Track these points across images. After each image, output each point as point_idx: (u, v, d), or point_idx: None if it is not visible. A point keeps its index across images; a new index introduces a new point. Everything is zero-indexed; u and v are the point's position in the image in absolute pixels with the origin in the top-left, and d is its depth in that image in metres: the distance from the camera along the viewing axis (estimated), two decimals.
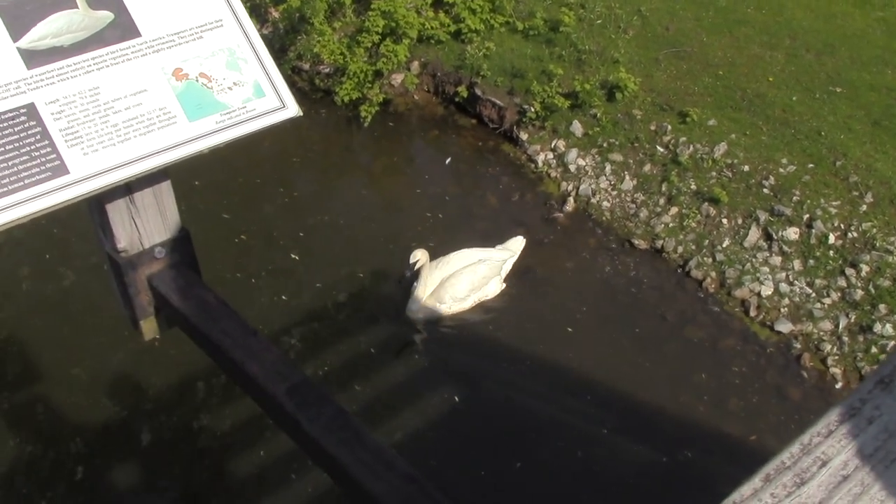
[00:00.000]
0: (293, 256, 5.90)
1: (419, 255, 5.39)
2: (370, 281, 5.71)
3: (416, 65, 7.53)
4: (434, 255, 5.57)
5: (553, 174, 6.64)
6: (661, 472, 4.64)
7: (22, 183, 1.96)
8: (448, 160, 6.85)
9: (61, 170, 2.02)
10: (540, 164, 6.72)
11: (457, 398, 4.98)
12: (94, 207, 2.24)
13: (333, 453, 1.91)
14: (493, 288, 5.63)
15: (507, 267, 5.73)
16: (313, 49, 7.38)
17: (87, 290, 5.56)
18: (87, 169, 2.04)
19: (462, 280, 5.50)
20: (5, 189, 1.93)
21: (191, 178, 6.05)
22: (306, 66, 7.67)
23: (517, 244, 5.85)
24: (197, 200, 5.86)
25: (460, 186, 6.64)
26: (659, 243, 5.96)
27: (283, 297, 5.56)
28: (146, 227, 2.29)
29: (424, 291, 5.43)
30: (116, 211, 2.22)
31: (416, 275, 5.43)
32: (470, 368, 5.16)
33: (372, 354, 5.22)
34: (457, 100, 7.29)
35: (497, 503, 4.46)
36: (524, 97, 6.95)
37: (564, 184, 6.53)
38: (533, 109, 6.81)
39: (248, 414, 4.81)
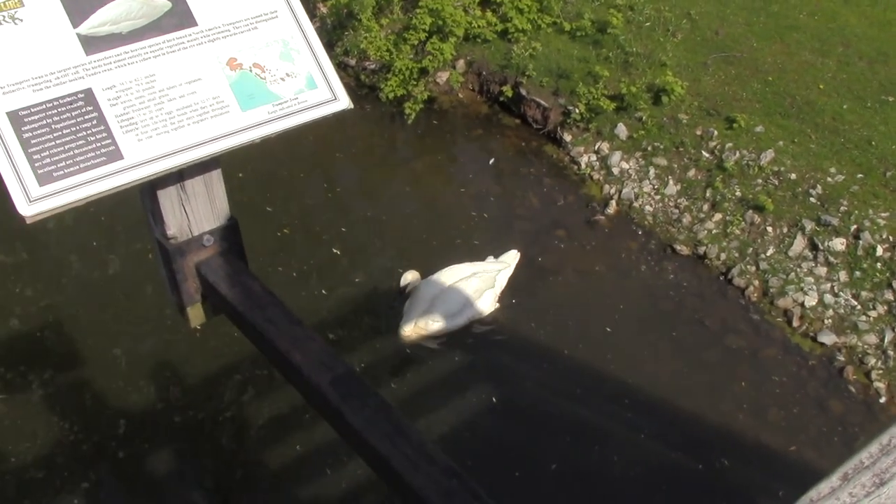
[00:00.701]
0: (335, 251, 5.93)
1: (409, 278, 5.29)
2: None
3: (461, 63, 7.53)
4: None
5: (596, 176, 6.60)
6: (697, 479, 4.60)
7: (78, 167, 1.99)
8: (492, 160, 6.84)
9: (116, 155, 2.04)
10: (583, 165, 6.69)
11: (494, 399, 4.96)
12: (146, 193, 2.27)
13: (376, 445, 1.91)
14: (488, 302, 5.42)
15: (502, 280, 5.52)
16: (360, 45, 7.41)
17: (132, 277, 5.64)
18: (140, 155, 2.07)
19: (455, 295, 5.29)
20: (62, 172, 1.96)
21: (235, 170, 6.10)
22: (352, 62, 7.71)
23: (511, 257, 5.66)
24: (241, 193, 5.91)
25: (502, 186, 6.63)
26: (701, 250, 5.90)
27: (323, 291, 5.58)
28: (196, 214, 2.31)
29: (417, 310, 5.24)
30: (167, 198, 2.24)
31: (407, 296, 5.32)
32: (508, 368, 5.14)
33: (409, 352, 5.23)
34: (501, 99, 7.28)
35: None
36: (569, 98, 6.92)
37: (607, 186, 6.49)
38: (577, 111, 6.77)
39: (285, 406, 4.86)
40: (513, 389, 5.02)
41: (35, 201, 1.93)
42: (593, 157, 6.70)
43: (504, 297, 5.57)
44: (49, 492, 4.45)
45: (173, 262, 2.32)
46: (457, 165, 6.99)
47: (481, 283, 5.37)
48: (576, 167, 6.72)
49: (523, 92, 7.14)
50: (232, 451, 4.71)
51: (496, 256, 5.71)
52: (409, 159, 7.09)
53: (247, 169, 6.09)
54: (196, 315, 2.45)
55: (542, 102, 7.04)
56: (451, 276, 5.38)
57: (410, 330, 5.22)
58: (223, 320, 4.96)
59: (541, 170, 6.76)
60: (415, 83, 7.19)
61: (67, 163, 1.99)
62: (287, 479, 4.56)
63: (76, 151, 2.01)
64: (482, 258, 5.70)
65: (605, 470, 4.62)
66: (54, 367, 5.09)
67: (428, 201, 6.52)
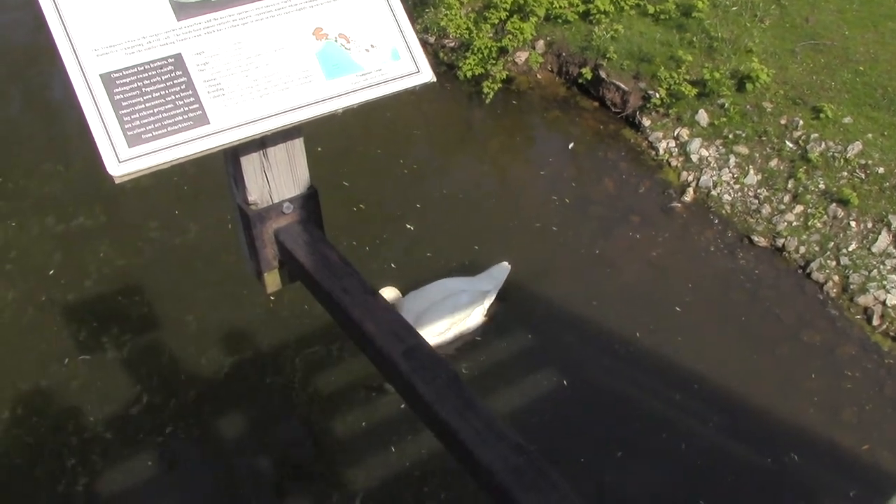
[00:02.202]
0: (408, 226, 5.95)
1: (388, 296, 4.94)
2: (485, 255, 5.70)
3: (541, 44, 7.47)
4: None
5: (674, 163, 6.49)
6: (764, 472, 4.52)
7: (165, 130, 2.02)
8: (571, 145, 6.77)
9: (202, 119, 2.07)
10: (661, 151, 6.58)
11: (565, 382, 4.94)
12: (229, 159, 2.29)
13: (445, 418, 1.91)
14: (475, 320, 5.21)
15: (491, 296, 5.31)
16: (440, 23, 7.39)
17: (208, 245, 5.75)
18: (226, 121, 2.09)
19: (442, 311, 5.07)
20: (150, 135, 2.00)
21: (314, 144, 6.11)
22: (431, 40, 7.70)
23: (501, 272, 5.42)
24: (319, 167, 5.91)
25: (578, 169, 6.57)
26: (780, 242, 5.76)
27: (393, 265, 5.62)
28: (277, 181, 2.33)
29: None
30: (250, 164, 2.26)
31: None
32: (578, 351, 5.11)
33: (477, 330, 5.23)
34: (580, 81, 7.20)
35: (596, 492, 4.42)
36: (650, 82, 6.81)
37: (685, 173, 6.38)
38: (658, 95, 6.66)
39: (352, 380, 4.92)
40: (582, 373, 4.99)
41: (124, 162, 1.96)
42: (672, 143, 6.59)
43: (578, 278, 5.53)
44: (122, 450, 4.58)
45: (253, 227, 2.34)
46: (533, 147, 6.94)
47: (470, 299, 5.16)
48: (654, 153, 6.62)
49: (603, 75, 7.05)
50: (299, 423, 4.77)
51: (488, 268, 5.45)
52: (485, 139, 7.06)
53: (325, 144, 6.12)
54: (272, 281, 2.48)
55: (622, 86, 6.94)
56: (439, 291, 5.17)
57: None
58: (296, 292, 5.05)
59: (618, 154, 6.68)
60: (493, 62, 7.16)
61: (156, 125, 2.02)
62: (352, 452, 4.61)
63: (164, 115, 2.04)
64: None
65: (672, 459, 4.57)
66: (130, 330, 5.23)
67: (504, 182, 6.49)
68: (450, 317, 5.10)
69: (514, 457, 1.85)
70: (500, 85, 7.13)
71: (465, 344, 5.14)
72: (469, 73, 7.16)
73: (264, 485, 4.46)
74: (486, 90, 7.07)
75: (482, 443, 1.88)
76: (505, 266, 5.43)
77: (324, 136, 6.05)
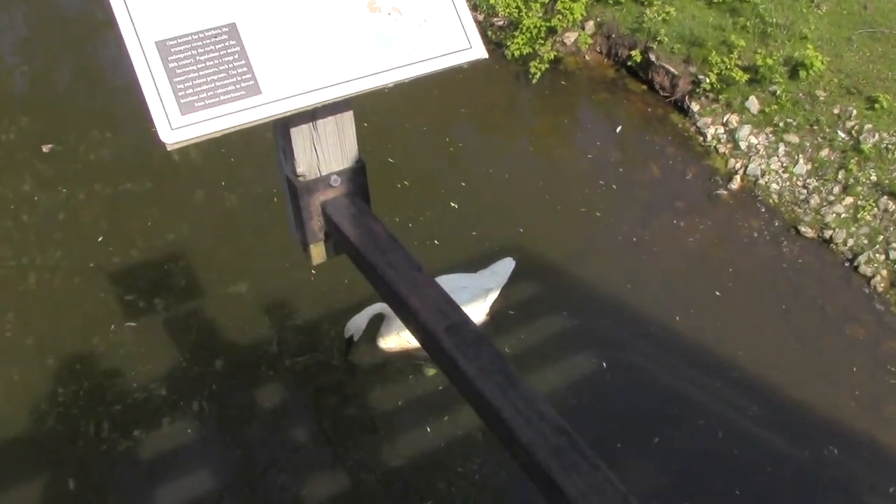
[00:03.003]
0: (452, 205, 5.94)
1: (352, 328, 4.79)
2: (528, 237, 5.69)
3: (590, 24, 7.39)
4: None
5: (721, 149, 6.40)
6: (801, 464, 4.48)
7: (218, 99, 2.03)
8: (619, 129, 6.70)
9: (254, 90, 2.08)
10: (709, 137, 6.49)
11: (604, 364, 4.93)
12: (279, 130, 2.30)
13: (487, 396, 1.91)
14: (476, 318, 5.00)
15: (494, 293, 5.15)
16: (489, 0, 7.34)
17: (253, 218, 5.79)
18: (278, 92, 2.10)
19: None
20: (203, 103, 2.01)
21: (360, 120, 6.12)
22: (480, 18, 7.65)
23: (505, 267, 5.25)
24: (364, 142, 5.92)
25: (624, 153, 6.50)
26: (828, 233, 5.66)
27: (436, 242, 5.62)
28: (325, 154, 2.34)
29: (398, 325, 4.79)
30: (299, 136, 2.27)
31: (354, 347, 4.88)
32: (617, 334, 5.08)
33: (513, 314, 5.22)
34: (629, 64, 7.11)
35: (632, 477, 4.40)
36: (700, 67, 6.71)
37: (732, 161, 6.29)
38: (708, 80, 6.56)
39: (392, 356, 4.94)
40: (621, 356, 4.96)
41: (176, 129, 1.98)
42: (720, 130, 6.49)
43: (619, 262, 5.50)
44: (162, 416, 4.65)
45: (300, 199, 2.36)
46: (580, 128, 6.88)
47: (472, 297, 5.00)
48: (701, 138, 6.53)
49: (652, 57, 6.96)
50: (335, 398, 4.80)
51: (490, 264, 5.31)
52: (531, 119, 7.02)
53: (371, 119, 6.14)
54: (318, 253, 2.49)
55: (672, 69, 6.85)
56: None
57: (391, 341, 4.93)
58: (339, 267, 5.07)
59: (665, 138, 6.60)
60: (542, 42, 7.10)
61: (209, 94, 2.03)
62: (387, 430, 4.63)
63: (217, 84, 2.05)
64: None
65: (708, 446, 4.54)
66: (175, 298, 5.29)
67: (550, 163, 6.44)
68: None
69: (555, 437, 1.85)
70: (547, 65, 7.07)
71: (506, 322, 5.11)
72: (517, 53, 7.11)
73: (298, 457, 4.49)
74: (533, 70, 7.01)
75: (524, 422, 1.88)
76: (509, 261, 5.29)
77: (370, 112, 6.06)
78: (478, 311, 5.06)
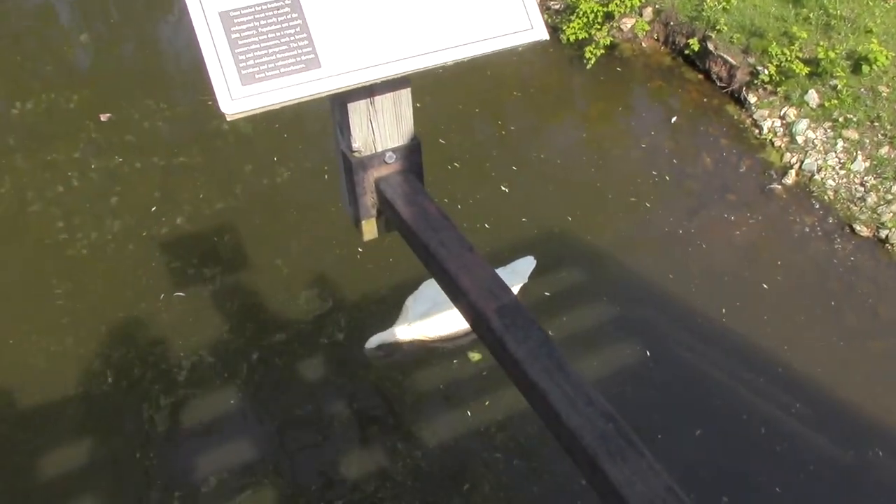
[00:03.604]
0: (503, 188, 5.93)
1: (375, 342, 4.83)
2: (578, 225, 5.66)
3: (649, 11, 7.29)
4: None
5: (777, 143, 6.29)
6: (845, 464, 4.43)
7: (279, 71, 2.04)
8: (674, 119, 6.61)
9: (314, 63, 2.07)
10: (765, 130, 6.38)
11: (648, 352, 4.89)
12: (337, 105, 2.30)
13: (535, 379, 1.90)
14: None
15: (516, 290, 4.97)
16: None
17: (302, 192, 5.84)
18: (337, 66, 2.10)
19: (455, 312, 4.79)
20: (264, 75, 2.01)
21: (413, 100, 6.16)
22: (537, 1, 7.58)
23: (526, 265, 5.11)
24: (416, 123, 5.95)
25: (677, 143, 6.42)
26: (884, 233, 5.55)
27: (486, 226, 5.60)
28: (381, 130, 2.34)
29: (416, 312, 4.79)
30: (357, 111, 2.27)
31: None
32: (662, 325, 5.04)
33: (558, 298, 5.20)
34: (686, 52, 7.01)
35: (672, 469, 4.36)
36: (759, 58, 6.59)
37: (788, 155, 6.17)
38: (767, 72, 6.44)
39: (431, 343, 4.95)
40: (666, 347, 4.93)
41: (237, 100, 1.99)
42: (777, 123, 6.38)
43: (668, 253, 5.45)
44: (205, 385, 4.72)
45: (355, 175, 2.35)
46: (633, 116, 6.80)
47: None
48: (757, 131, 6.42)
49: (711, 47, 6.85)
50: (377, 376, 4.82)
51: (510, 261, 5.18)
52: (584, 105, 6.96)
53: (424, 99, 6.13)
54: (369, 229, 2.49)
55: (730, 59, 6.74)
56: None
57: (405, 331, 4.85)
58: (385, 247, 5.09)
59: (719, 130, 6.50)
60: (598, 27, 7.02)
61: (269, 66, 2.03)
62: (428, 411, 4.66)
63: (278, 56, 2.05)
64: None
65: (750, 442, 4.50)
66: (223, 270, 5.35)
67: (602, 151, 6.38)
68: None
69: (602, 423, 1.84)
70: (603, 51, 6.99)
71: (550, 308, 5.09)
72: (572, 37, 7.04)
73: (334, 433, 4.53)
74: (588, 55, 6.95)
75: (570, 406, 1.87)
76: (530, 260, 5.16)
77: (423, 92, 6.06)
78: None
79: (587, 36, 7.03)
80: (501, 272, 4.98)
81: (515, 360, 1.94)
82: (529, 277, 5.14)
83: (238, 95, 2.00)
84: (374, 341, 4.84)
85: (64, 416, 4.57)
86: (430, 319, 4.79)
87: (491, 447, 4.47)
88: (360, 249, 5.37)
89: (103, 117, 6.46)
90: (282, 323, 5.03)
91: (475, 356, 4.86)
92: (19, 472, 4.33)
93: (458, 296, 2.12)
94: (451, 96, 6.61)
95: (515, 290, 5.03)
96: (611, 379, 4.73)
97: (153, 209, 5.71)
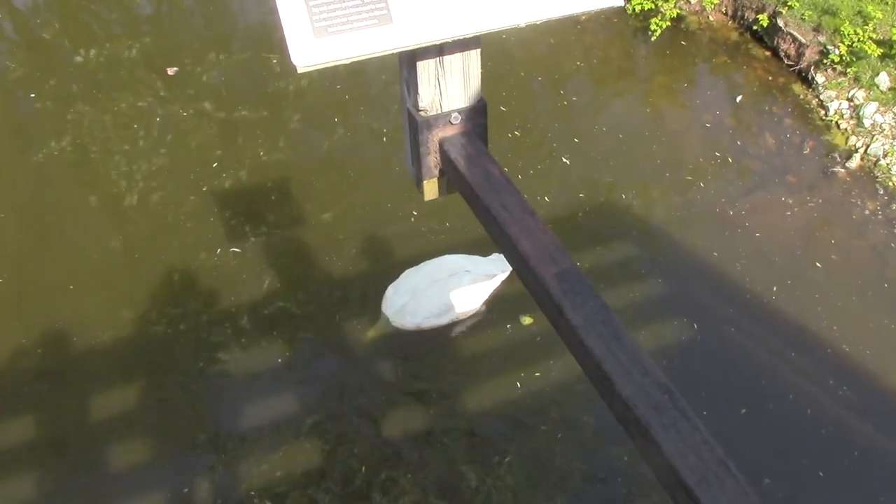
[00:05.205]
0: (564, 160, 5.88)
1: (371, 334, 4.77)
2: (638, 201, 5.62)
3: None
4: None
5: (843, 125, 6.15)
6: (890, 456, 4.36)
7: (351, 25, 2.04)
8: (739, 98, 6.48)
9: (386, 19, 2.08)
10: (831, 111, 6.24)
11: (695, 325, 4.86)
12: (406, 63, 2.30)
13: (590, 345, 1.90)
14: (472, 305, 4.81)
15: (496, 281, 4.90)
16: None
17: (360, 154, 5.86)
18: (409, 24, 2.09)
19: (440, 292, 4.69)
20: (336, 28, 2.02)
21: None
22: None
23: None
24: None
25: (739, 120, 6.31)
26: None
27: (546, 199, 5.57)
28: (448, 91, 2.33)
29: (395, 302, 4.73)
30: (425, 70, 2.27)
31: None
32: (711, 303, 4.99)
33: (608, 271, 5.17)
34: (754, 28, 6.87)
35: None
36: (830, 37, 6.42)
37: (854, 138, 6.04)
38: (837, 52, 6.28)
39: (487, 306, 4.95)
40: (715, 325, 4.88)
41: (309, 52, 2.00)
42: (844, 105, 6.23)
43: (722, 232, 5.38)
44: (255, 340, 4.79)
45: (419, 134, 2.36)
46: (696, 92, 6.68)
47: (472, 281, 4.78)
48: (823, 112, 6.28)
49: (780, 23, 6.70)
50: (425, 342, 4.82)
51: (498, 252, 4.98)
52: (648, 77, 6.85)
53: (486, 66, 6.07)
54: (431, 189, 2.50)
55: (800, 37, 6.58)
56: (441, 269, 4.80)
57: (384, 322, 4.78)
58: (440, 212, 5.09)
59: (784, 109, 6.37)
60: None
61: (342, 20, 2.04)
62: (476, 381, 4.65)
63: (351, 10, 2.05)
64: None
65: (796, 424, 4.46)
66: (279, 227, 5.38)
67: (663, 126, 6.28)
68: (446, 300, 4.71)
69: (656, 393, 1.83)
70: (668, 23, 6.87)
71: (602, 279, 5.06)
72: (638, 8, 6.93)
73: (379, 396, 4.57)
74: (653, 27, 6.83)
75: (625, 375, 1.87)
76: None
77: (486, 58, 5.99)
78: (475, 298, 4.84)
79: (653, 7, 6.92)
80: (487, 259, 4.98)
81: (572, 326, 1.94)
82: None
83: (310, 48, 2.01)
84: (370, 335, 4.79)
85: (117, 360, 4.67)
86: (410, 310, 4.71)
87: (537, 422, 4.46)
88: (415, 213, 5.38)
89: (170, 71, 6.51)
90: (332, 283, 5.07)
91: (527, 320, 4.86)
92: (75, 410, 4.46)
93: (517, 260, 2.12)
94: (513, 63, 6.56)
95: (500, 278, 4.93)
96: (657, 353, 4.69)
97: (213, 164, 5.77)
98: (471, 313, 4.87)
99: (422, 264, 4.89)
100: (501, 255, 4.94)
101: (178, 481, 4.19)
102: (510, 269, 4.89)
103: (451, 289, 4.73)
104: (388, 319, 4.75)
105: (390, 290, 4.79)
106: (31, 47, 6.93)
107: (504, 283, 4.95)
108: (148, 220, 5.41)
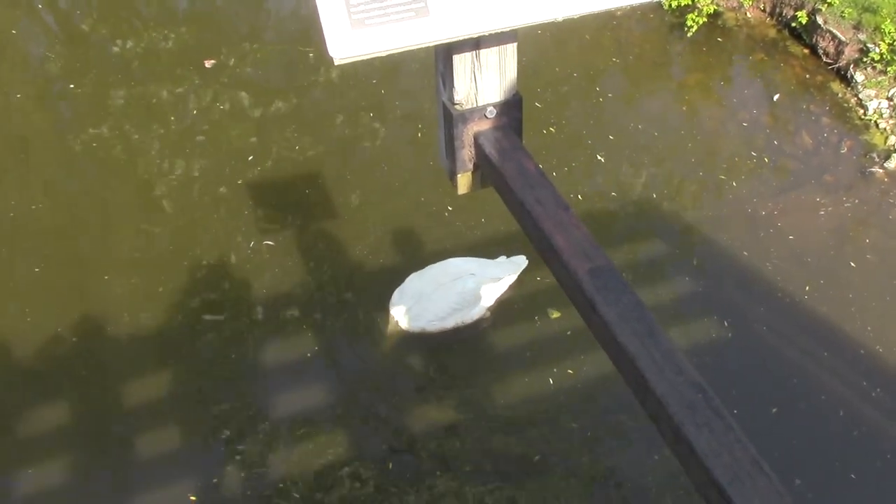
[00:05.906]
0: (598, 158, 5.84)
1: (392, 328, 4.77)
2: (672, 200, 5.59)
3: None
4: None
5: (882, 125, 6.06)
6: None
7: (388, 18, 2.04)
8: (776, 97, 6.40)
9: (423, 12, 2.07)
10: (870, 110, 6.15)
11: (726, 322, 4.82)
12: (441, 56, 2.30)
13: (624, 342, 1.89)
14: (478, 310, 4.79)
15: (502, 286, 4.87)
16: None
17: (393, 147, 5.87)
18: (446, 16, 2.09)
19: (445, 296, 4.68)
20: (374, 20, 2.02)
21: None
22: None
23: (519, 263, 4.94)
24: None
25: (776, 118, 6.24)
26: None
27: (579, 197, 5.55)
28: (484, 84, 2.32)
29: (401, 305, 4.74)
30: (461, 63, 2.26)
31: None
32: (743, 301, 4.95)
33: (640, 269, 5.14)
34: (793, 24, 6.78)
35: None
36: (871, 35, 6.33)
37: (893, 138, 5.95)
38: (878, 50, 6.19)
39: (519, 300, 4.96)
40: (746, 324, 4.85)
41: (346, 44, 2.00)
42: (884, 104, 6.14)
43: (756, 231, 5.32)
44: (283, 331, 4.83)
45: (454, 127, 2.35)
46: (733, 90, 6.61)
47: (477, 285, 4.74)
48: (862, 111, 6.20)
49: (819, 21, 6.61)
50: (455, 335, 4.82)
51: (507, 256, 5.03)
52: (683, 75, 6.78)
53: (521, 61, 6.05)
54: (465, 183, 2.49)
55: (839, 35, 6.49)
56: (447, 272, 4.79)
57: (390, 325, 4.78)
58: (474, 207, 5.09)
59: (822, 107, 6.29)
60: None
61: (379, 12, 2.04)
62: (506, 375, 4.66)
63: (388, 3, 2.05)
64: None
65: (827, 424, 4.42)
66: (311, 219, 5.40)
67: (699, 124, 6.22)
68: (451, 304, 4.70)
69: (690, 392, 1.82)
70: (705, 19, 6.81)
71: (634, 277, 5.03)
72: (674, 3, 6.87)
73: (407, 386, 4.58)
74: (689, 23, 6.77)
75: (658, 373, 1.85)
76: (522, 259, 4.97)
77: (520, 53, 5.99)
78: (480, 301, 4.81)
79: (690, 2, 6.85)
80: (494, 263, 4.95)
81: (605, 323, 1.93)
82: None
83: (347, 40, 2.01)
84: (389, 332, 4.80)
85: (150, 349, 4.72)
86: (414, 314, 4.71)
87: (568, 419, 4.44)
88: (450, 208, 5.38)
89: (207, 63, 6.55)
90: (363, 275, 5.08)
91: (555, 314, 4.85)
92: (107, 398, 4.51)
93: (551, 255, 2.11)
94: (548, 59, 6.53)
95: (506, 283, 4.91)
96: (688, 351, 4.66)
97: (248, 155, 5.80)
98: (477, 317, 4.83)
99: (426, 268, 4.86)
100: (509, 259, 4.96)
101: (207, 471, 4.23)
102: (517, 272, 4.93)
103: (456, 293, 4.72)
104: (396, 322, 4.76)
105: (396, 294, 4.78)
106: (70, 39, 7.01)
107: (518, 279, 4.95)
108: (182, 211, 5.46)
